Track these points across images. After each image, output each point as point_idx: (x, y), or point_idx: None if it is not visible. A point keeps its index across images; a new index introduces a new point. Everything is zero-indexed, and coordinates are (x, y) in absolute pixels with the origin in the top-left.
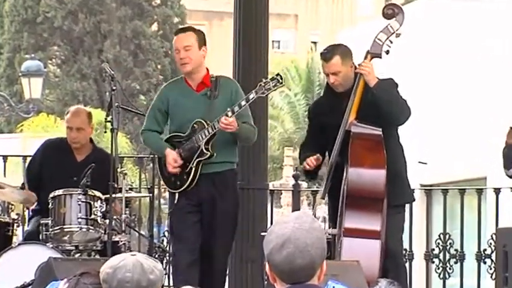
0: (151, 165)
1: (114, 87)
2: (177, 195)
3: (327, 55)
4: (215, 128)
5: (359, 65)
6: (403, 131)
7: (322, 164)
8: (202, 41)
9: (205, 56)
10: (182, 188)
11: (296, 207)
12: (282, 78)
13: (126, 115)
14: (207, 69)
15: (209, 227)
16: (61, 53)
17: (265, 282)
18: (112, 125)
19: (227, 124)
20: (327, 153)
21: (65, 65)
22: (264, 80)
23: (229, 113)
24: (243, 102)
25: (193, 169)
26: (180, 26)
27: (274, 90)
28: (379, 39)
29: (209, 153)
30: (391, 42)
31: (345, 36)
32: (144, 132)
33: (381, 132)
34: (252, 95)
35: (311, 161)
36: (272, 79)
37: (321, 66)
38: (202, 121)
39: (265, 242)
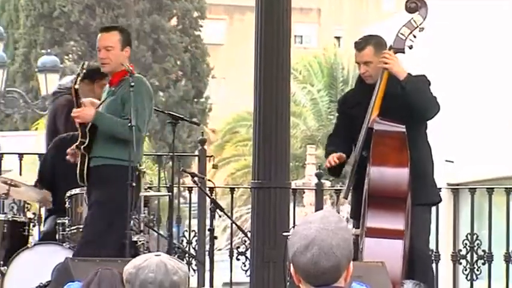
0: (170, 163)
1: (132, 84)
2: None
3: (360, 44)
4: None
5: (382, 56)
6: (430, 129)
7: (346, 162)
8: (126, 41)
9: (128, 55)
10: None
11: (319, 206)
12: (82, 65)
13: None
14: (127, 69)
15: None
16: (78, 49)
17: (288, 283)
18: (131, 122)
19: (73, 114)
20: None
21: (82, 61)
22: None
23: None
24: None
25: (79, 162)
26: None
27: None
28: (402, 33)
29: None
30: (415, 36)
31: (369, 31)
32: None
33: (404, 129)
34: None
35: (333, 159)
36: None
37: (344, 61)
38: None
39: (289, 243)
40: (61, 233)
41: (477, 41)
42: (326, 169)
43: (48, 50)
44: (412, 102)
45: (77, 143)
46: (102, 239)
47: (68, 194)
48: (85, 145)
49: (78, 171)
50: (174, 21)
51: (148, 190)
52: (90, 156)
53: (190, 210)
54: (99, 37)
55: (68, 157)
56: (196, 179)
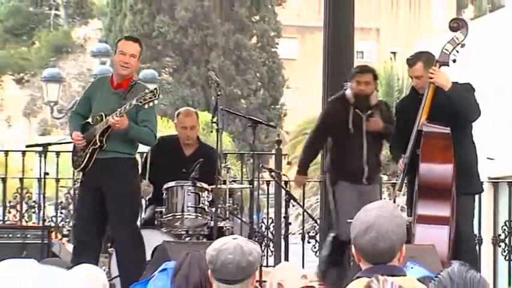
0: (251, 160)
1: (219, 93)
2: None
3: (411, 61)
4: (108, 123)
5: (429, 72)
6: (475, 130)
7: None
8: (141, 54)
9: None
10: (79, 168)
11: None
12: (157, 93)
13: (229, 117)
14: (135, 78)
15: (108, 205)
16: (173, 63)
17: (351, 262)
18: (217, 125)
19: (114, 122)
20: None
21: (176, 74)
22: (145, 92)
23: (117, 113)
24: (127, 106)
25: (88, 154)
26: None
27: (150, 101)
28: (446, 49)
29: (99, 144)
30: (457, 52)
31: (420, 47)
32: (72, 113)
33: (449, 131)
34: (133, 102)
35: (401, 164)
36: (150, 92)
37: (399, 73)
38: (103, 115)
39: (352, 227)
40: (159, 219)
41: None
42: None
43: (148, 65)
44: (456, 109)
45: (97, 139)
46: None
47: (164, 187)
48: (103, 142)
49: (85, 161)
50: (254, 40)
51: (232, 183)
52: (107, 150)
53: (268, 201)
54: (126, 43)
55: (77, 145)
56: (273, 173)
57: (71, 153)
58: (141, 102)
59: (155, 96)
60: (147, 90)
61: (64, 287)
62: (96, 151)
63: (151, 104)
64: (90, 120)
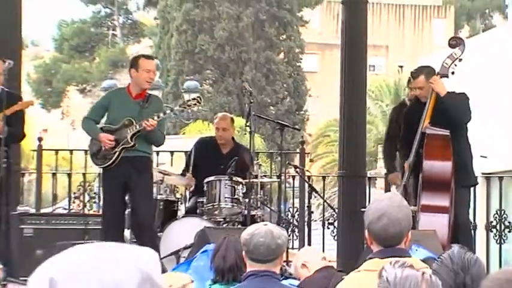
0: (279, 158)
1: (251, 101)
2: (101, 170)
3: (414, 74)
4: (141, 126)
5: (430, 82)
6: (471, 132)
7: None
8: None
9: None
10: (106, 165)
11: (387, 189)
12: (201, 100)
13: (260, 121)
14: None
15: (130, 197)
16: (212, 76)
17: (365, 245)
18: (250, 128)
19: (151, 124)
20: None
21: (215, 84)
22: (188, 99)
23: (155, 117)
24: (168, 112)
25: (117, 152)
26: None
27: (194, 107)
28: (446, 63)
29: (132, 143)
30: (456, 65)
31: (423, 62)
32: (86, 118)
33: (449, 133)
34: (176, 108)
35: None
36: (193, 99)
37: (405, 83)
38: (132, 120)
39: (365, 215)
40: (200, 208)
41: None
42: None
43: (191, 77)
44: (449, 112)
45: (128, 139)
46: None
47: (205, 180)
48: (134, 142)
49: (114, 158)
50: (281, 55)
51: (263, 177)
52: (134, 149)
53: (293, 192)
54: (151, 63)
55: (107, 145)
56: (297, 169)
57: (90, 153)
58: (185, 107)
59: (199, 103)
60: (191, 97)
61: (138, 260)
62: (123, 150)
63: (195, 108)
64: (108, 124)
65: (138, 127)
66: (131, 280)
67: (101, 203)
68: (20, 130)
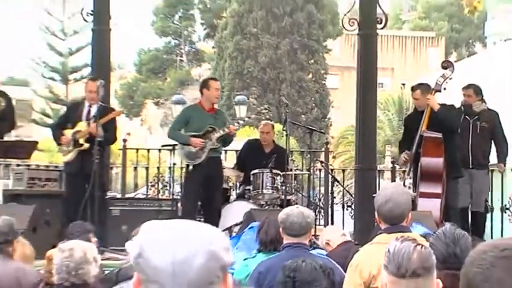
0: (308, 155)
1: (287, 111)
2: (190, 166)
3: (413, 88)
4: (225, 131)
5: (426, 98)
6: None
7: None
8: None
9: None
10: (197, 163)
11: (393, 180)
12: (269, 109)
13: (293, 126)
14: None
15: (209, 186)
16: (257, 91)
17: (375, 223)
18: (286, 132)
19: (234, 129)
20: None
21: (259, 98)
22: (260, 109)
23: (236, 124)
24: (246, 119)
25: (206, 152)
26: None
27: (266, 114)
28: (439, 81)
29: (218, 145)
30: (447, 83)
31: (421, 80)
32: (172, 129)
33: (441, 136)
34: (253, 115)
35: (404, 155)
36: (264, 109)
37: (406, 98)
38: (214, 127)
39: (375, 200)
40: (247, 194)
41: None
42: (400, 160)
43: (240, 92)
44: (441, 121)
45: (214, 141)
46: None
47: (251, 173)
48: (218, 144)
49: (203, 157)
50: (310, 76)
51: (296, 170)
52: (214, 150)
53: (319, 182)
54: (218, 84)
55: (199, 145)
56: (323, 164)
57: (182, 152)
58: (259, 115)
59: (268, 111)
60: (263, 107)
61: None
62: (210, 151)
63: (267, 116)
64: (192, 132)
65: (222, 132)
66: (200, 256)
67: (172, 190)
68: (113, 135)
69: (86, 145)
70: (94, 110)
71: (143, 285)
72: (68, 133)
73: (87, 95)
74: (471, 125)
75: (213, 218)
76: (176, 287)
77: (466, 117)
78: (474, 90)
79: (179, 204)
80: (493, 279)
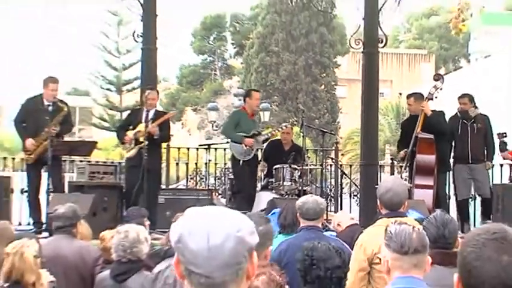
0: (321, 153)
1: (303, 116)
2: (241, 161)
3: (408, 96)
4: (270, 134)
5: (421, 105)
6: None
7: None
8: None
9: None
10: (247, 159)
11: (392, 174)
12: (288, 124)
13: (308, 129)
14: None
15: (252, 179)
16: (277, 100)
17: (377, 209)
18: (303, 133)
19: (275, 134)
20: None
21: (280, 105)
22: (290, 121)
23: (277, 130)
24: (284, 125)
25: (254, 150)
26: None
27: (293, 125)
28: (431, 91)
29: (262, 146)
30: (438, 92)
31: (415, 89)
32: (229, 128)
33: (433, 137)
34: (284, 124)
35: (402, 153)
36: (291, 123)
37: (403, 105)
38: (260, 130)
39: (377, 190)
40: (270, 186)
41: None
42: (398, 157)
43: (264, 101)
44: (433, 126)
45: (260, 143)
46: None
47: (274, 167)
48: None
49: (253, 155)
50: (322, 87)
51: (311, 165)
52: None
53: (330, 175)
54: (258, 94)
55: (250, 145)
56: (333, 160)
57: (233, 149)
58: (290, 124)
59: (297, 122)
60: (286, 124)
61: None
62: (257, 149)
63: (294, 122)
64: (241, 133)
65: (266, 136)
66: (229, 241)
67: (207, 182)
68: (167, 134)
69: (145, 143)
70: (151, 114)
71: (182, 265)
72: (130, 133)
73: (148, 101)
74: (469, 127)
75: (245, 205)
76: (210, 267)
77: (464, 121)
78: (469, 99)
79: (214, 194)
80: (484, 257)
